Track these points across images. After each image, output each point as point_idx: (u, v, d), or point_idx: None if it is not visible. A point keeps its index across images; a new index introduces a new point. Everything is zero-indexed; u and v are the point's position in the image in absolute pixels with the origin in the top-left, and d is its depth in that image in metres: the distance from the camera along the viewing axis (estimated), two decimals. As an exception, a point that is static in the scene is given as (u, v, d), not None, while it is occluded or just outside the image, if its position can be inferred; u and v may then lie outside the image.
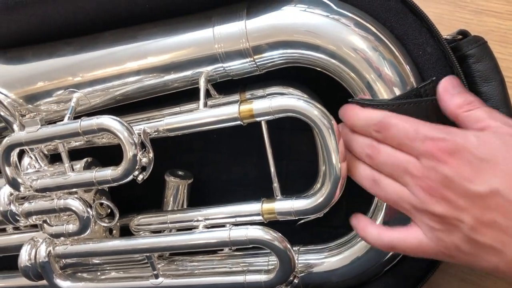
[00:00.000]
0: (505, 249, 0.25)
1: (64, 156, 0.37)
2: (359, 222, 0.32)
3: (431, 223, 0.27)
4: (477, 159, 0.25)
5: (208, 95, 0.36)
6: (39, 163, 0.40)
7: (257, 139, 0.37)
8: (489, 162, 0.25)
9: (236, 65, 0.34)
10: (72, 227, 0.37)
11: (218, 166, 0.44)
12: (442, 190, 0.26)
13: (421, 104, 0.30)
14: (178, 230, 0.38)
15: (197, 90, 0.35)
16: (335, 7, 0.32)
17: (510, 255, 0.25)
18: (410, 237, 0.28)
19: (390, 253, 0.34)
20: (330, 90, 0.35)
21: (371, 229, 0.31)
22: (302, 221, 0.38)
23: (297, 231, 0.39)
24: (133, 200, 0.42)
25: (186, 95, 0.38)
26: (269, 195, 0.36)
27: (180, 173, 0.42)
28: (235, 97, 0.38)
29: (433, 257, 0.29)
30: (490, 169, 0.25)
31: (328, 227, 0.39)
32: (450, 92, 0.28)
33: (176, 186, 0.41)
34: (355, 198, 0.35)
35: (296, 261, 0.34)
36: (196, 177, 0.43)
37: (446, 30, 0.41)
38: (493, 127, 0.26)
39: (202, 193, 0.44)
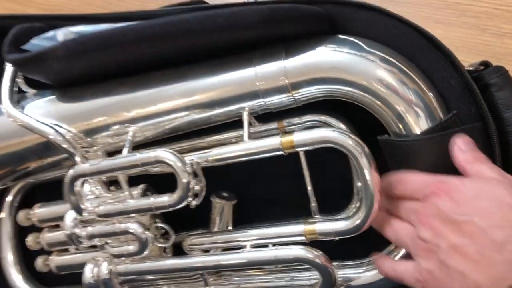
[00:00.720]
0: (469, 274, 0.28)
1: (123, 184, 0.41)
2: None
3: (418, 250, 0.31)
4: (465, 196, 0.30)
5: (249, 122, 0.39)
6: (98, 189, 0.44)
7: (292, 161, 0.40)
8: (473, 199, 0.30)
9: (276, 100, 0.38)
10: (131, 248, 0.42)
11: (258, 186, 0.47)
12: (432, 219, 0.30)
13: (446, 136, 0.33)
14: (226, 249, 0.41)
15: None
16: (364, 46, 0.35)
17: (471, 280, 0.28)
18: (406, 268, 0.33)
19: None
20: (360, 114, 0.38)
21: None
22: (340, 237, 0.41)
23: (334, 247, 0.42)
24: (180, 218, 0.46)
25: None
26: (305, 213, 0.40)
27: (224, 194, 0.46)
28: (273, 125, 0.42)
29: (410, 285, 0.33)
30: (472, 204, 0.29)
31: (364, 243, 0.42)
32: (461, 149, 0.32)
33: (221, 207, 0.45)
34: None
35: (336, 279, 0.37)
36: (238, 197, 0.46)
37: (470, 53, 0.44)
38: (488, 176, 0.31)
39: (243, 212, 0.47)
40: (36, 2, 0.74)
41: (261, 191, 0.48)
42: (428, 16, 0.47)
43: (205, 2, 0.51)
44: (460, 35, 0.46)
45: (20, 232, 0.55)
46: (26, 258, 0.55)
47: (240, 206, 0.47)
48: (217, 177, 0.46)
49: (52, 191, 0.52)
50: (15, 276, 0.54)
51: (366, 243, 0.42)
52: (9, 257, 0.54)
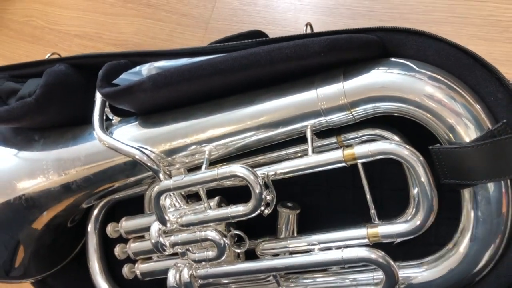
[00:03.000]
0: None
1: (203, 196, 0.47)
2: None
3: None
4: None
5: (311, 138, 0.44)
6: (178, 202, 0.50)
7: (350, 171, 0.45)
8: None
9: (336, 118, 0.42)
10: (211, 253, 0.47)
11: (319, 196, 0.52)
12: None
13: (496, 143, 0.36)
14: (295, 252, 0.46)
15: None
16: (414, 67, 0.39)
17: None
18: None
19: (481, 265, 0.40)
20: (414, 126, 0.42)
21: None
22: (399, 240, 0.45)
23: (394, 248, 0.46)
24: (250, 227, 0.51)
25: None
26: (364, 220, 0.44)
27: (289, 204, 0.50)
28: (333, 139, 0.47)
29: None
30: None
31: (421, 245, 0.46)
32: None
33: (287, 216, 0.50)
34: (445, 220, 0.42)
35: (399, 278, 0.41)
36: (302, 206, 0.51)
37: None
38: None
39: (307, 219, 0.52)
40: (105, 38, 0.82)
41: (323, 201, 0.52)
42: (472, 34, 0.51)
43: (264, 33, 0.57)
44: (504, 50, 0.49)
45: (104, 244, 0.62)
46: (109, 268, 0.62)
47: (304, 215, 0.51)
48: (282, 186, 0.51)
49: (128, 206, 0.59)
50: (102, 284, 0.61)
51: (423, 245, 0.46)
52: (96, 267, 0.61)
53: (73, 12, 0.88)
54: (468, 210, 0.40)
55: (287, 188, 0.51)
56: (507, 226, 0.39)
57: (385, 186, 0.49)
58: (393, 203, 0.48)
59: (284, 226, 0.50)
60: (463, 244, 0.40)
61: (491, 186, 0.38)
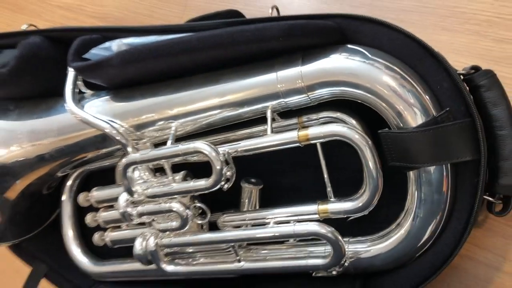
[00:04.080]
0: None
1: (168, 170, 0.49)
2: None
3: None
4: None
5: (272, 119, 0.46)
6: (146, 175, 0.52)
7: (312, 153, 0.47)
8: None
9: (294, 100, 0.44)
10: (174, 224, 0.50)
11: (282, 174, 0.54)
12: None
13: (438, 129, 0.39)
14: (253, 225, 0.49)
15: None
16: (369, 55, 0.41)
17: None
18: None
19: (421, 242, 0.43)
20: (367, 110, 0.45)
21: None
22: (351, 217, 0.47)
23: (347, 226, 0.48)
24: (214, 201, 0.53)
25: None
26: (322, 198, 0.47)
27: (253, 180, 0.53)
28: (294, 120, 0.49)
29: None
30: None
31: (371, 223, 0.48)
32: None
33: (250, 191, 0.52)
34: (396, 201, 0.45)
35: (347, 249, 0.44)
36: (264, 183, 0.53)
37: (472, 56, 0.50)
38: None
39: (268, 196, 0.54)
40: (87, 10, 0.83)
41: (284, 179, 0.55)
42: (436, 24, 0.53)
43: (240, 13, 0.58)
44: (464, 41, 0.51)
45: (78, 212, 0.64)
46: (83, 235, 0.65)
47: (266, 192, 0.54)
48: (246, 165, 0.54)
49: (104, 177, 0.61)
50: (75, 250, 0.63)
51: (377, 223, 0.49)
52: (70, 234, 0.64)
53: (56, -17, 0.88)
54: (413, 191, 0.43)
55: (252, 166, 0.53)
56: (446, 207, 0.41)
57: (342, 167, 0.51)
58: (350, 184, 0.50)
59: (247, 201, 0.53)
60: (406, 223, 0.43)
61: (433, 169, 0.41)
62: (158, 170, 0.54)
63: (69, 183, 0.62)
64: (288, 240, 0.49)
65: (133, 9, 0.77)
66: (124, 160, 0.50)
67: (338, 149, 0.50)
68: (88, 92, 0.55)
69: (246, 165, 0.52)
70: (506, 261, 0.45)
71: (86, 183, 0.64)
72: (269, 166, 0.55)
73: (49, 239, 0.66)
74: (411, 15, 0.55)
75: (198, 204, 0.49)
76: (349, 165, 0.51)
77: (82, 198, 0.58)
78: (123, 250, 0.59)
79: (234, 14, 0.58)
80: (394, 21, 0.53)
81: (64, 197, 0.63)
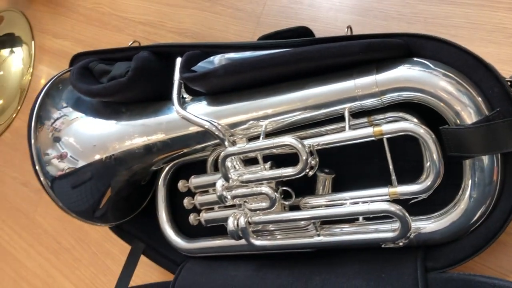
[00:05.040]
0: None
1: (260, 160, 0.60)
2: None
3: None
4: None
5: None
6: (238, 165, 0.63)
7: (377, 147, 0.57)
8: None
9: (369, 102, 0.55)
10: (264, 204, 0.60)
11: (351, 166, 0.64)
12: None
13: (490, 125, 0.48)
14: (331, 206, 0.59)
15: (342, 118, 0.56)
16: (432, 66, 0.51)
17: None
18: None
19: (475, 219, 0.52)
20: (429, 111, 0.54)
21: None
22: (413, 201, 0.57)
23: (409, 208, 0.58)
24: (294, 188, 0.64)
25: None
26: (387, 184, 0.57)
27: (326, 170, 0.63)
28: (364, 119, 0.59)
29: None
30: None
31: (430, 205, 0.58)
32: None
33: (324, 179, 0.62)
34: (451, 186, 0.54)
35: (411, 224, 0.54)
36: (336, 173, 0.64)
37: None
38: None
39: (339, 184, 0.64)
40: (167, 26, 0.95)
41: (353, 170, 0.65)
42: (483, 38, 0.62)
43: (309, 29, 0.69)
44: (508, 52, 0.60)
45: (170, 198, 0.76)
46: (174, 217, 0.77)
47: (337, 181, 0.64)
48: (322, 159, 0.64)
49: (191, 169, 0.72)
50: (168, 230, 0.75)
51: (434, 205, 0.58)
52: (164, 216, 0.75)
53: (138, 2, 1.01)
54: (468, 176, 0.52)
55: (325, 159, 0.64)
56: (496, 190, 0.51)
57: (404, 159, 0.60)
58: (409, 173, 0.59)
59: (321, 188, 0.63)
60: (462, 203, 0.53)
61: (485, 158, 0.50)
62: (247, 161, 0.65)
63: (165, 170, 0.74)
64: (358, 219, 0.59)
65: (209, 25, 0.89)
66: (223, 153, 0.61)
67: (400, 143, 0.59)
68: (188, 97, 0.67)
69: (319, 158, 0.62)
70: (547, 237, 0.54)
71: (177, 174, 0.76)
72: (340, 159, 0.65)
73: (146, 221, 0.78)
74: (460, 30, 0.64)
75: (284, 188, 0.60)
76: (408, 157, 0.60)
77: (181, 184, 0.70)
78: (206, 232, 0.70)
79: (303, 30, 0.69)
80: (446, 36, 0.63)
81: (160, 183, 0.75)
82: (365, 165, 0.64)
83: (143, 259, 0.77)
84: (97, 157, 0.68)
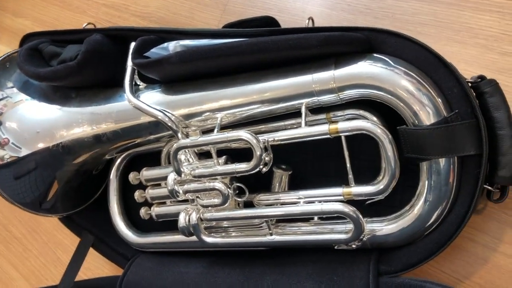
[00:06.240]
0: None
1: (213, 154, 0.57)
2: None
3: None
4: None
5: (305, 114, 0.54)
6: (192, 158, 0.60)
7: (336, 144, 0.55)
8: None
9: (326, 98, 0.52)
10: (217, 200, 0.58)
11: (307, 163, 0.62)
12: None
13: (448, 127, 0.47)
14: (285, 204, 0.56)
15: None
16: (392, 63, 0.49)
17: None
18: None
19: (429, 223, 0.51)
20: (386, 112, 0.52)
21: None
22: (369, 201, 0.55)
23: (366, 208, 0.56)
24: (247, 185, 0.61)
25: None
26: (344, 183, 0.55)
27: (283, 166, 0.61)
28: (323, 116, 0.57)
29: None
30: None
31: (386, 207, 0.56)
32: None
33: (280, 176, 0.60)
34: (409, 188, 0.53)
35: (365, 227, 0.52)
36: (293, 170, 0.61)
37: (479, 67, 0.57)
38: None
39: (295, 181, 0.62)
40: (130, 9, 0.91)
41: (310, 167, 0.63)
42: (449, 37, 0.60)
43: (275, 19, 0.66)
44: (472, 53, 0.58)
45: (122, 191, 0.73)
46: (126, 211, 0.73)
47: (293, 178, 0.62)
48: (276, 155, 0.61)
49: (146, 160, 0.69)
50: (120, 223, 0.72)
51: (391, 207, 0.57)
52: (115, 208, 0.72)
53: (102, -17, 0.96)
54: (424, 179, 0.50)
55: (282, 155, 0.61)
56: (451, 194, 0.49)
57: (363, 157, 0.59)
58: (367, 172, 0.58)
59: (277, 184, 0.61)
60: (417, 206, 0.51)
61: (442, 161, 0.48)
62: (202, 155, 0.62)
63: (117, 162, 0.71)
64: (313, 219, 0.57)
65: (175, 10, 0.85)
66: (176, 145, 0.58)
67: (359, 141, 0.58)
68: (142, 84, 0.64)
69: (276, 154, 0.60)
70: (501, 242, 0.53)
71: (131, 165, 0.73)
72: (299, 156, 0.62)
73: (97, 213, 0.75)
74: (428, 28, 0.62)
75: (238, 184, 0.57)
76: (367, 156, 0.59)
77: (132, 176, 0.67)
78: (159, 226, 0.67)
79: (269, 20, 0.66)
80: (412, 32, 0.62)
81: (112, 175, 0.71)
82: (324, 162, 0.62)
83: (96, 252, 0.74)
84: (43, 145, 0.65)
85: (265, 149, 0.54)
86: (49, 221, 0.90)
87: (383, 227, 0.53)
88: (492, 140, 0.48)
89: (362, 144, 0.58)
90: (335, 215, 0.52)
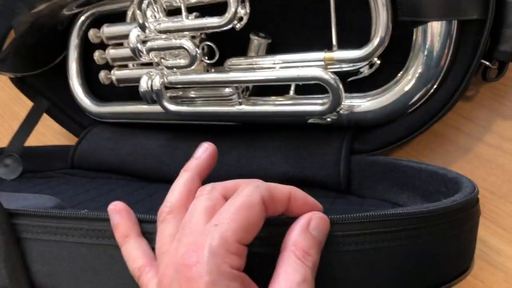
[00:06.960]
0: None
1: (183, 7, 0.50)
2: None
3: None
4: None
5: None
6: (159, 14, 0.53)
7: (326, 14, 0.48)
8: None
9: None
10: (183, 61, 0.51)
11: (290, 32, 0.55)
12: None
13: None
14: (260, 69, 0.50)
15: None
16: None
17: None
18: None
19: (415, 99, 0.46)
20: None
21: None
22: (352, 78, 0.50)
23: (348, 86, 0.50)
24: (221, 50, 0.54)
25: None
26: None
27: (262, 34, 0.54)
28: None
29: None
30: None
31: (370, 86, 0.50)
32: None
33: (258, 44, 0.54)
34: (395, 64, 0.47)
35: (344, 98, 0.46)
36: (273, 39, 0.54)
37: None
38: None
39: (275, 52, 0.55)
40: None
41: (293, 37, 0.56)
42: None
43: None
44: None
45: (84, 54, 0.65)
46: (87, 78, 0.67)
47: (273, 49, 0.55)
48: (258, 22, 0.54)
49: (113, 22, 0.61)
50: (78, 88, 0.65)
51: (374, 86, 0.51)
52: (74, 69, 0.65)
53: None
54: (417, 49, 0.45)
55: (262, 22, 0.54)
56: (445, 65, 0.44)
57: (353, 27, 0.51)
58: (355, 45, 0.51)
59: (253, 54, 0.54)
60: (404, 80, 0.46)
61: (440, 25, 0.42)
62: (171, 13, 0.55)
63: (80, 19, 0.63)
64: (288, 92, 0.51)
65: None
66: (140, -8, 0.50)
67: (351, 9, 0.50)
68: None
69: (255, 20, 0.53)
70: (487, 132, 0.49)
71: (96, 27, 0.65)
72: (278, 25, 0.55)
73: (54, 77, 0.68)
74: None
75: (208, 43, 0.51)
76: (357, 28, 0.51)
77: (92, 33, 0.59)
78: (122, 96, 0.61)
79: None
80: None
81: (73, 34, 0.64)
82: (309, 33, 0.55)
83: (54, 125, 0.68)
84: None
85: (242, 0, 0.47)
86: (5, 91, 0.84)
87: (363, 103, 0.48)
88: (498, 7, 0.42)
89: (353, 13, 0.51)
90: (312, 82, 0.46)
